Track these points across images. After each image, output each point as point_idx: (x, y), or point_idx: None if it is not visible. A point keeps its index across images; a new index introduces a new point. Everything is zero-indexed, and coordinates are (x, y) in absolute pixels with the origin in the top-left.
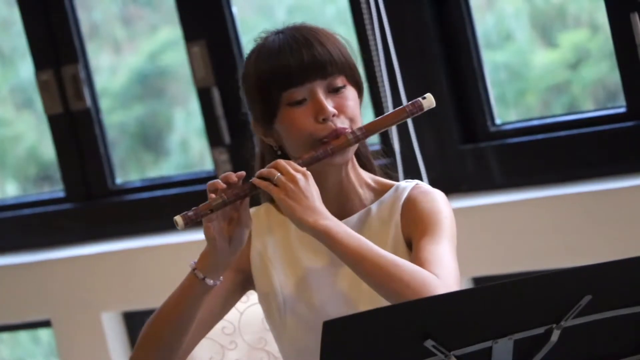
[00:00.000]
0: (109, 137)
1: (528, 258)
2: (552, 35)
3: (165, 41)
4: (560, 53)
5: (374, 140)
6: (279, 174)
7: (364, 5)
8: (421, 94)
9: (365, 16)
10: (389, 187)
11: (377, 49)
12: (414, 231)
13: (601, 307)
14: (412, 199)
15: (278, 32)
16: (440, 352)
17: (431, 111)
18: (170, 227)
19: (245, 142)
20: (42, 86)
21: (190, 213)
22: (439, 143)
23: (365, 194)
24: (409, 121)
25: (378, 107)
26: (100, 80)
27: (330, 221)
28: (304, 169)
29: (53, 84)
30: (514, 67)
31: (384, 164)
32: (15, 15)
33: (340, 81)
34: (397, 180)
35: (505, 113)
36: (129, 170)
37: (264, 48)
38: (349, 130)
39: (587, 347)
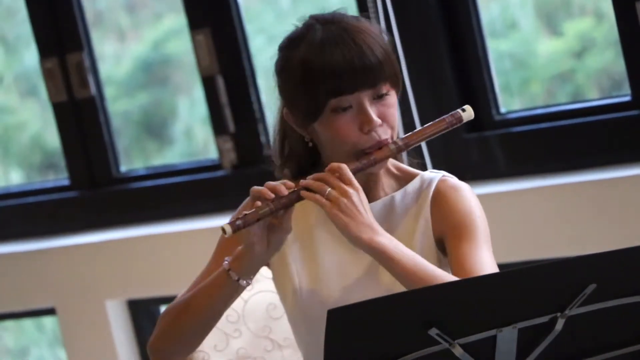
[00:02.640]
0: (114, 125)
1: (532, 246)
2: (557, 23)
3: (169, 29)
4: (565, 42)
5: None
6: (329, 188)
7: None
8: (425, 83)
9: (370, 5)
10: (413, 176)
11: None
12: (448, 232)
13: (606, 295)
14: (442, 195)
15: (324, 25)
16: (444, 340)
17: (436, 99)
18: (175, 215)
19: (250, 130)
20: (47, 74)
21: (238, 222)
22: None
23: (388, 181)
24: (414, 109)
25: None
26: (105, 68)
27: (385, 238)
28: (355, 181)
29: (57, 71)
30: (518, 55)
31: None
32: (19, 3)
33: (385, 88)
34: (421, 169)
35: (509, 101)
36: (134, 158)
37: (312, 45)
38: (391, 141)
39: (591, 336)
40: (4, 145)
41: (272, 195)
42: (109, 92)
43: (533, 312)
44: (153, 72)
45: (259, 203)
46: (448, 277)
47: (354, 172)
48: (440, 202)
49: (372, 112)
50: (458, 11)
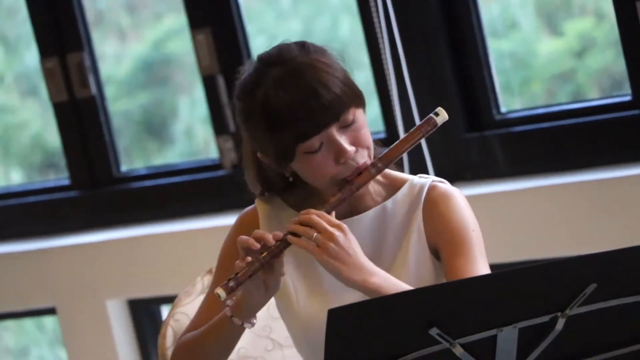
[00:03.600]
0: (114, 125)
1: (533, 246)
2: (558, 23)
3: (170, 29)
4: (566, 41)
5: (379, 129)
6: (316, 233)
7: None
8: (426, 82)
9: (371, 5)
10: (402, 182)
11: (382, 38)
12: (442, 244)
13: (606, 295)
14: (434, 204)
15: (273, 66)
16: (445, 340)
17: (437, 99)
18: (175, 214)
19: None
20: (47, 74)
21: (231, 284)
22: (444, 131)
23: (377, 189)
24: (414, 109)
25: (383, 97)
26: (105, 68)
27: (378, 277)
28: (339, 222)
29: (58, 71)
30: (519, 55)
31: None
32: (20, 3)
33: (351, 115)
34: (404, 170)
35: (510, 101)
36: (134, 158)
37: (267, 93)
38: (369, 163)
39: (592, 336)
40: (4, 145)
41: (259, 246)
42: (109, 91)
43: (533, 312)
44: (153, 72)
45: (249, 259)
46: None
47: (338, 204)
48: (433, 213)
49: (344, 142)
50: (458, 11)
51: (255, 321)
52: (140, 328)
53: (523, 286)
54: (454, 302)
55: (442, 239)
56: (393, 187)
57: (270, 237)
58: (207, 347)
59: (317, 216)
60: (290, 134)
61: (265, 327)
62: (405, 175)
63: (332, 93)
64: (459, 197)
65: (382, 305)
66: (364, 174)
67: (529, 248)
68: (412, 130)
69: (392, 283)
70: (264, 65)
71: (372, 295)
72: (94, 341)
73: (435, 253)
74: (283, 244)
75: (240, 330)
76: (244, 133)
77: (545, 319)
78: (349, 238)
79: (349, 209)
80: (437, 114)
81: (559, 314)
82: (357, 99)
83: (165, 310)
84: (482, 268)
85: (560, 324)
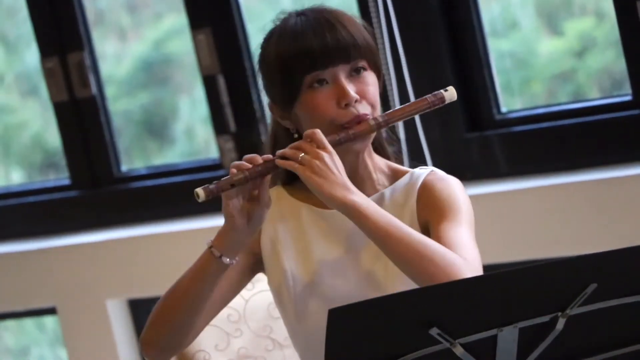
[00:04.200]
0: (114, 125)
1: (533, 246)
2: (558, 23)
3: (170, 29)
4: (566, 41)
5: None
6: (302, 153)
7: None
8: (426, 82)
9: (371, 4)
10: (403, 173)
11: (382, 36)
12: (431, 216)
13: (606, 295)
14: (428, 185)
15: (299, 14)
16: (445, 340)
17: None
18: (175, 214)
19: (251, 130)
20: (48, 73)
21: (211, 186)
22: (445, 131)
23: (379, 179)
24: None
25: (383, 97)
26: (106, 68)
27: (358, 197)
28: (327, 145)
29: (58, 71)
30: (519, 55)
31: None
32: (20, 2)
33: (361, 63)
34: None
35: (510, 101)
36: (134, 158)
37: (285, 30)
38: (371, 117)
39: (592, 336)
40: (4, 144)
41: (249, 166)
42: (109, 91)
43: (534, 312)
44: (154, 72)
45: (234, 171)
46: (423, 239)
47: (333, 145)
48: (426, 192)
49: (349, 88)
50: (459, 11)
51: (235, 261)
52: (140, 328)
53: (523, 286)
54: (454, 302)
55: (432, 212)
56: (395, 177)
57: (258, 157)
58: (184, 286)
59: (310, 135)
60: (299, 65)
61: (266, 327)
62: (409, 168)
63: (350, 37)
64: (456, 181)
65: (382, 305)
66: (362, 124)
67: (529, 248)
68: (419, 99)
69: (373, 207)
70: (290, 14)
71: (350, 214)
72: (94, 341)
73: (428, 235)
74: (270, 164)
75: (219, 267)
76: (263, 87)
77: (546, 318)
78: (335, 160)
79: None
80: (446, 90)
81: (560, 313)
82: (374, 59)
83: None
84: (465, 231)
85: (560, 324)
